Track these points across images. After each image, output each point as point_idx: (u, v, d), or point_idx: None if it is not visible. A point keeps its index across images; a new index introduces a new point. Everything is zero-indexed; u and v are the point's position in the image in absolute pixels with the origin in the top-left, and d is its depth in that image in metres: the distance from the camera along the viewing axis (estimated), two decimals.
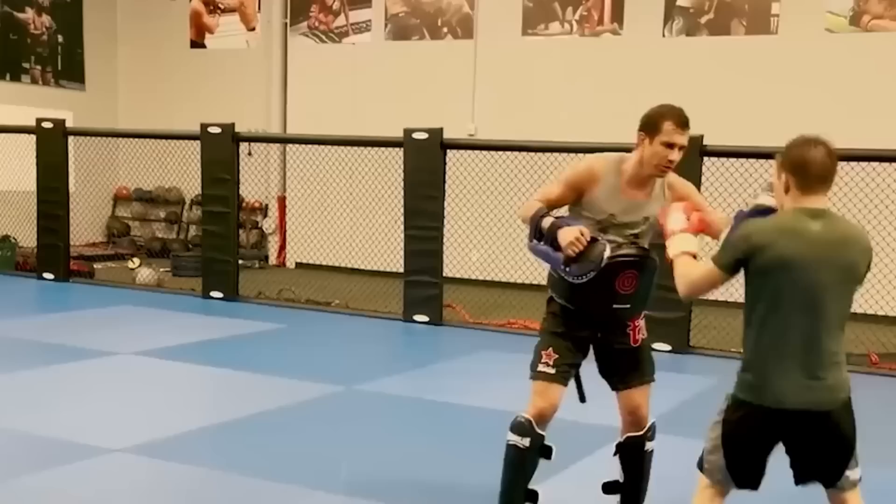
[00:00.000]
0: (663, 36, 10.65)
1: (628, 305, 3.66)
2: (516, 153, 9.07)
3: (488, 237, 10.15)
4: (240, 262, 9.96)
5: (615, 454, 3.88)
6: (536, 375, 3.63)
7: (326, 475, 4.49)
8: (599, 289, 3.53)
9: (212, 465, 4.60)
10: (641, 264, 3.63)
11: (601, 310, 3.63)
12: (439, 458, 4.82)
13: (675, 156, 3.50)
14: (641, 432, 3.85)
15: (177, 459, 4.64)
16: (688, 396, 6.35)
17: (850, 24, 9.82)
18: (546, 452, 3.66)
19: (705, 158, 7.62)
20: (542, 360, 3.63)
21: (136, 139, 11.79)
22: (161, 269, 10.97)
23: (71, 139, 10.58)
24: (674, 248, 3.24)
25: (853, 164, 7.94)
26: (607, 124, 10.09)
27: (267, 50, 13.09)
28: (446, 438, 5.21)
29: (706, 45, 10.45)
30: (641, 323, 3.83)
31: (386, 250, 10.43)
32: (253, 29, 13.31)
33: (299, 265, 12.75)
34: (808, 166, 2.91)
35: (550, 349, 3.63)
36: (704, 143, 7.51)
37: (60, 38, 13.57)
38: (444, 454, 4.90)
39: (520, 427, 3.60)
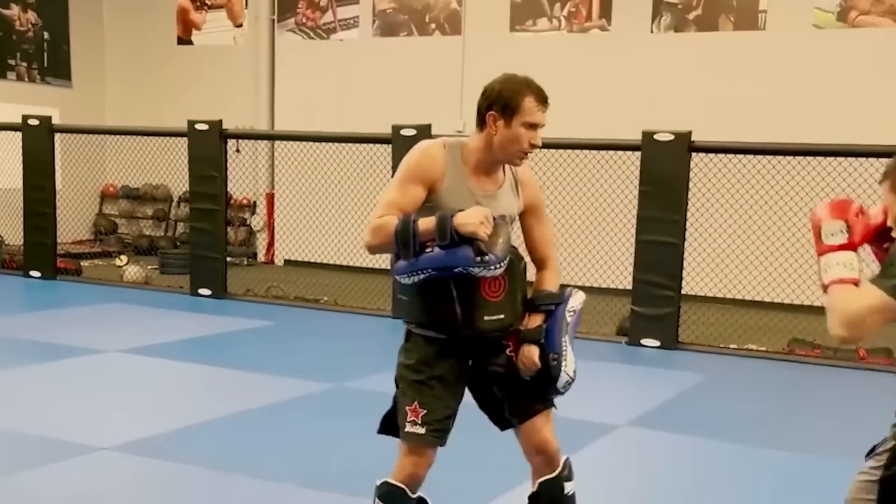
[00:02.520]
0: (651, 32, 10.66)
1: (502, 316, 2.98)
2: None
3: None
4: (228, 259, 9.93)
5: None
6: (405, 437, 3.01)
7: (315, 472, 4.48)
8: (464, 298, 2.90)
9: (199, 462, 4.58)
10: (509, 264, 2.91)
11: (471, 326, 2.94)
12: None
13: (539, 139, 2.96)
14: (556, 472, 3.12)
15: (165, 457, 4.62)
16: (677, 392, 6.37)
17: (837, 20, 9.84)
18: None
19: (693, 154, 7.62)
20: (409, 419, 2.99)
21: (123, 136, 11.74)
22: (149, 267, 10.93)
23: (57, 136, 10.52)
24: (830, 272, 2.43)
25: (841, 159, 7.98)
26: (595, 120, 10.12)
27: (254, 46, 13.05)
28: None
29: (694, 41, 10.46)
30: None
31: None
32: (240, 25, 13.27)
33: (288, 262, 12.73)
34: None
35: (416, 404, 2.99)
36: (693, 138, 7.53)
37: (46, 35, 13.50)
38: None
39: (392, 497, 3.03)
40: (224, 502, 4.14)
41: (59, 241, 10.59)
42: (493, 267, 2.81)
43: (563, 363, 3.00)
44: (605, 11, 10.91)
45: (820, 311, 8.26)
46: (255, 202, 13.28)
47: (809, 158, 8.28)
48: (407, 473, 3.02)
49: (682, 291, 7.75)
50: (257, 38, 13.02)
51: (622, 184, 8.82)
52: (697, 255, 8.58)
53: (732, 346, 7.75)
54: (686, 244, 7.71)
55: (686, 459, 4.99)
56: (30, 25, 13.29)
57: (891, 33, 9.55)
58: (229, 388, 6.18)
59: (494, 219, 2.84)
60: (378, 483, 3.09)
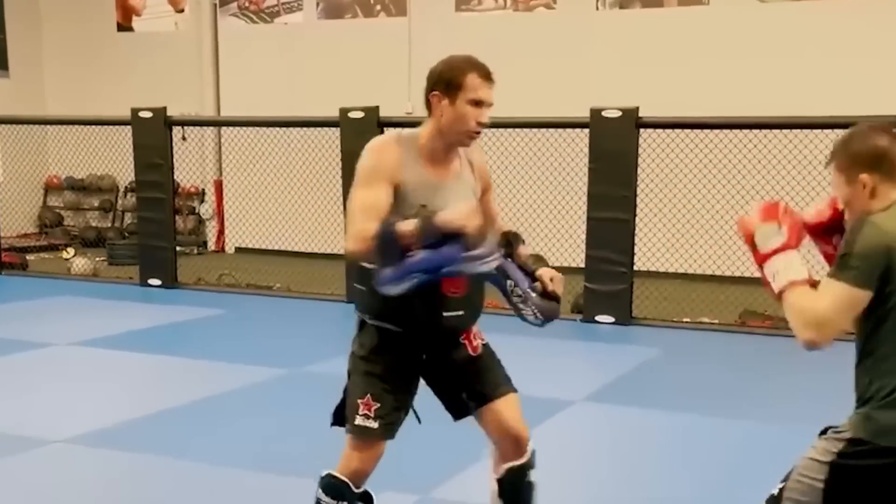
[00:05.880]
0: (597, 9, 10.67)
1: (461, 312, 2.92)
2: None
3: None
4: (177, 248, 9.81)
5: (499, 496, 3.10)
6: (354, 430, 2.93)
7: (272, 457, 4.45)
8: (424, 293, 2.74)
9: (156, 452, 4.54)
10: None
11: (429, 322, 2.88)
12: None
13: (486, 116, 2.86)
14: (525, 459, 3.05)
15: (120, 448, 4.58)
16: (632, 366, 6.43)
17: None
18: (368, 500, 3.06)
19: (641, 130, 7.67)
20: (360, 412, 2.91)
21: (66, 126, 11.51)
22: (97, 259, 10.77)
23: None
24: (779, 277, 2.37)
25: (786, 131, 8.07)
26: (543, 98, 10.13)
27: (197, 32, 12.85)
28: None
29: (639, 17, 10.50)
30: (476, 328, 3.06)
31: (327, 232, 10.36)
32: (181, 10, 13.06)
33: (239, 250, 12.60)
34: (890, 156, 2.37)
35: (368, 397, 2.91)
36: (640, 115, 7.57)
37: None
38: None
39: (335, 490, 2.95)
40: (181, 490, 4.10)
41: (2, 234, 10.40)
42: (484, 261, 2.68)
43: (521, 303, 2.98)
44: None
45: None
46: (203, 190, 13.12)
47: (756, 132, 8.37)
48: (353, 469, 2.95)
49: (635, 267, 7.81)
50: (199, 23, 12.82)
51: (572, 162, 8.84)
52: (649, 231, 8.65)
53: (686, 319, 7.83)
54: (637, 220, 7.76)
55: (642, 432, 5.04)
56: None
57: (834, 5, 9.66)
58: (183, 377, 6.11)
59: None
60: (322, 474, 3.01)
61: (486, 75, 2.88)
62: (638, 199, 7.73)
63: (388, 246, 2.66)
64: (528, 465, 3.07)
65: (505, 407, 3.00)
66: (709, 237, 9.13)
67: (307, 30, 12.16)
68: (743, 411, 5.38)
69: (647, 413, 5.32)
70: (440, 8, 11.25)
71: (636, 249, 7.81)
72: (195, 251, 12.43)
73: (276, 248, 11.58)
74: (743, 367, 6.53)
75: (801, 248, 2.44)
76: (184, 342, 7.13)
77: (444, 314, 2.88)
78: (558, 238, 9.15)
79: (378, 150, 2.89)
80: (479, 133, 2.89)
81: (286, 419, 5.10)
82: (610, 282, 7.66)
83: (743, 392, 5.86)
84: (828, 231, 2.55)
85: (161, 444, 4.67)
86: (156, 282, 9.34)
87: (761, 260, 2.42)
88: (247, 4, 12.53)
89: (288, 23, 12.33)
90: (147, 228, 9.48)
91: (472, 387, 3.01)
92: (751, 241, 2.44)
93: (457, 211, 2.67)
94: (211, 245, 13.11)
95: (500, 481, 3.08)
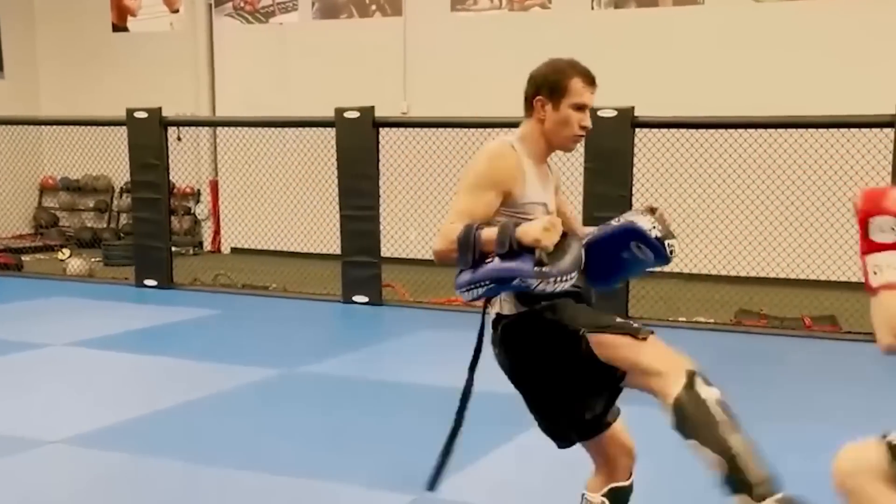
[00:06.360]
0: (592, 9, 10.68)
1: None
2: (450, 130, 9.07)
3: (425, 215, 10.12)
4: (173, 248, 9.81)
5: None
6: (642, 332, 2.78)
7: (269, 457, 4.45)
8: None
9: (151, 452, 4.53)
10: (577, 293, 2.97)
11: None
12: (383, 437, 4.80)
13: (588, 120, 2.89)
14: (630, 479, 3.05)
15: (116, 449, 4.57)
16: None
17: None
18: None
19: (637, 130, 7.67)
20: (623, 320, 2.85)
21: (61, 126, 11.49)
22: (92, 260, 10.75)
23: None
24: (884, 273, 2.22)
25: (781, 131, 8.09)
26: None
27: (192, 32, 12.84)
28: (389, 417, 5.19)
29: (635, 17, 10.51)
30: None
31: (322, 232, 10.36)
32: (177, 11, 13.04)
33: (235, 250, 12.60)
34: None
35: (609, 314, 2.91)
36: (636, 114, 7.57)
37: None
38: (388, 433, 4.88)
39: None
40: (177, 490, 4.10)
41: None
42: (553, 281, 2.56)
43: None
44: None
45: (765, 281, 8.44)
46: (199, 190, 13.11)
47: (751, 131, 8.38)
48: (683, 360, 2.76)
49: None
50: (194, 23, 12.80)
51: (567, 161, 8.83)
52: None
53: (681, 319, 7.84)
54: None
55: (638, 431, 5.00)
56: None
57: (829, 5, 9.67)
58: (179, 378, 6.10)
59: (566, 232, 2.64)
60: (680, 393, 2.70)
61: (590, 79, 2.90)
62: (634, 199, 7.74)
63: (468, 247, 2.64)
64: (632, 487, 3.03)
65: (621, 423, 2.97)
66: (704, 236, 9.14)
67: (302, 30, 12.16)
68: (738, 411, 5.37)
69: (643, 411, 5.31)
70: (435, 8, 11.24)
71: None
72: (191, 252, 12.42)
73: (272, 248, 11.58)
74: (739, 365, 6.53)
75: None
76: (179, 343, 7.12)
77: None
78: None
79: (496, 157, 2.82)
80: (582, 137, 2.89)
81: (282, 419, 5.10)
82: None
83: (738, 391, 5.86)
84: None
85: (157, 445, 4.66)
86: (151, 282, 9.33)
87: (869, 250, 2.26)
88: (242, 4, 12.52)
89: (283, 23, 12.32)
90: (143, 229, 9.47)
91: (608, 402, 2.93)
92: (864, 226, 2.28)
93: (536, 224, 2.60)
94: (207, 245, 13.09)
95: (608, 499, 2.99)
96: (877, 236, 2.25)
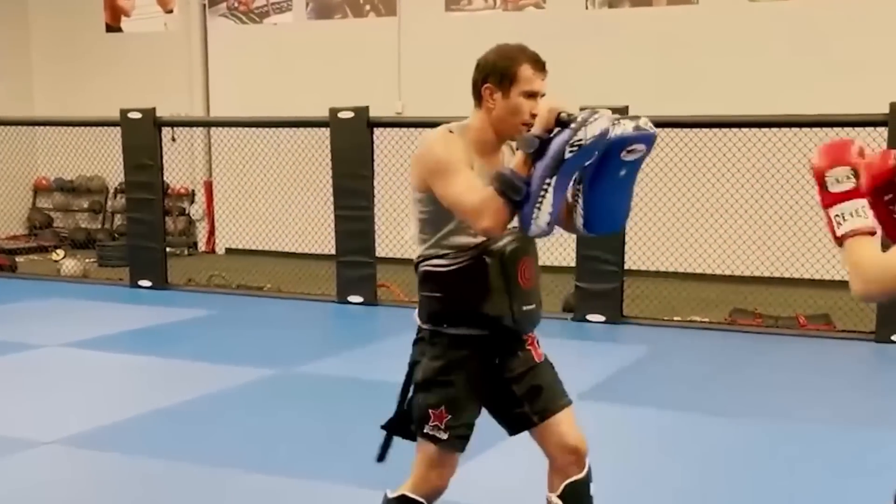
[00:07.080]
0: (586, 8, 10.69)
1: (533, 306, 2.82)
2: None
3: None
4: (168, 249, 9.79)
5: None
6: (429, 439, 2.80)
7: (264, 458, 4.44)
8: (508, 283, 2.70)
9: (146, 453, 4.52)
10: (528, 241, 2.78)
11: (513, 316, 2.76)
12: (377, 437, 4.79)
13: (539, 108, 2.68)
14: (584, 472, 2.92)
15: (111, 449, 4.57)
16: (623, 365, 6.43)
17: None
18: None
19: None
20: (431, 422, 2.78)
21: (54, 127, 11.47)
22: (87, 260, 10.74)
23: None
24: (845, 223, 2.21)
25: (775, 129, 8.10)
26: None
27: (186, 32, 12.82)
28: (384, 417, 5.17)
29: (628, 17, 10.51)
30: (534, 334, 2.96)
31: (317, 232, 10.35)
32: (170, 11, 13.02)
33: (229, 251, 12.59)
34: None
35: (443, 408, 2.77)
36: (629, 113, 7.56)
37: None
38: (382, 433, 4.86)
39: None
40: (173, 491, 4.10)
41: None
42: (590, 142, 2.48)
43: (536, 207, 2.57)
44: None
45: (759, 280, 8.46)
46: (193, 191, 13.09)
47: (746, 130, 8.39)
48: (433, 486, 2.82)
49: (626, 266, 7.82)
50: (188, 23, 12.79)
51: None
52: (640, 230, 8.65)
53: (676, 318, 7.84)
54: (628, 220, 7.75)
55: (633, 430, 5.04)
56: None
57: (824, 5, 9.69)
58: (173, 378, 6.10)
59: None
60: (392, 496, 2.85)
61: (540, 66, 2.78)
62: None
63: (512, 185, 2.51)
64: (589, 479, 2.93)
65: (565, 419, 2.87)
66: (699, 236, 9.15)
67: (296, 30, 12.15)
68: (734, 409, 5.39)
69: (639, 411, 5.33)
70: (430, 7, 11.24)
71: (627, 248, 7.81)
72: (185, 252, 12.41)
73: (267, 248, 11.56)
74: (734, 364, 6.54)
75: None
76: (174, 343, 7.11)
77: (523, 307, 2.75)
78: (549, 237, 9.16)
79: (446, 140, 2.75)
80: (532, 125, 2.67)
81: (277, 420, 5.09)
82: (600, 281, 7.67)
83: (734, 390, 5.88)
84: (883, 189, 2.30)
85: (152, 445, 4.66)
86: (146, 283, 9.31)
87: (829, 202, 2.23)
88: (236, 5, 12.51)
89: (277, 23, 12.31)
90: (137, 230, 9.46)
91: (534, 398, 2.85)
92: (821, 181, 2.26)
93: (541, 107, 2.58)
94: (201, 246, 13.08)
95: (563, 497, 2.90)
96: (834, 187, 2.25)
